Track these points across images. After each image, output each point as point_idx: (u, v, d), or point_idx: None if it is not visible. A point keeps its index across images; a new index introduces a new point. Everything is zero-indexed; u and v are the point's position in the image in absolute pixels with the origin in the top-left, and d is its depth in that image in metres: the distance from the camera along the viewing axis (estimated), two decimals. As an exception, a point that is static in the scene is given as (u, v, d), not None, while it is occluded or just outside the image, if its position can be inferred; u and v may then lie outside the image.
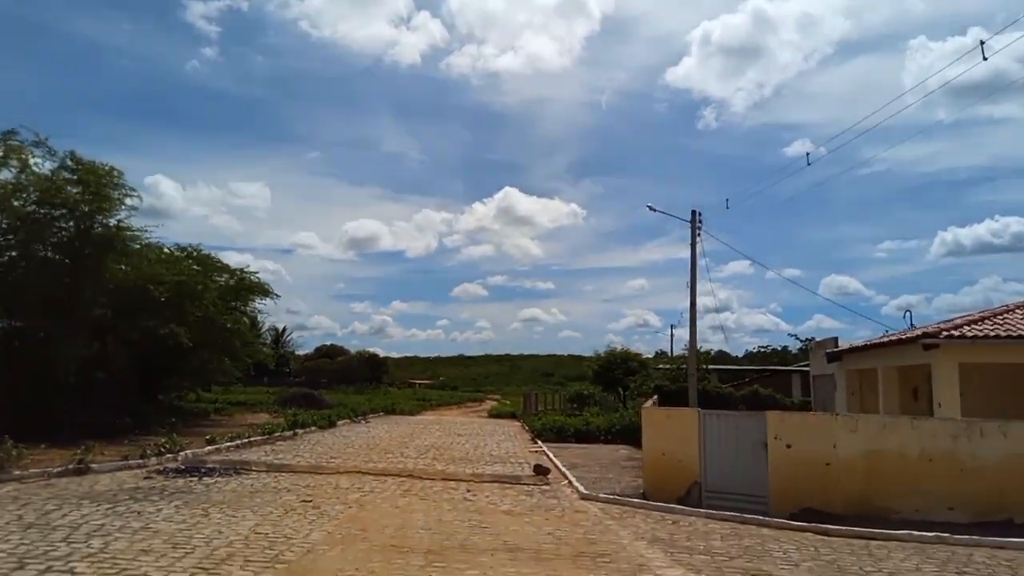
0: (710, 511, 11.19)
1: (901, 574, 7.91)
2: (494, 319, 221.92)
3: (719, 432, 12.38)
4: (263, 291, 28.80)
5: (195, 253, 26.61)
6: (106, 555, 7.50)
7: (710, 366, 41.41)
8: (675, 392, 32.15)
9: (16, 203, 18.41)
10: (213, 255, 27.78)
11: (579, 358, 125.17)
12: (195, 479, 13.10)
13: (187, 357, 26.98)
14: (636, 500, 12.09)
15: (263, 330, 77.22)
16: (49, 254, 19.55)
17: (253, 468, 14.81)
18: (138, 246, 22.80)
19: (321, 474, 14.39)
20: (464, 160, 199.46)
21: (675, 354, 58.15)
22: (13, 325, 18.94)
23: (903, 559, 8.62)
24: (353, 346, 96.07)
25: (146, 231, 21.84)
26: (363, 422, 32.22)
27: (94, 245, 19.55)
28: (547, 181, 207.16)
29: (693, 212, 25.19)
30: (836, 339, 21.76)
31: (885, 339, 19.06)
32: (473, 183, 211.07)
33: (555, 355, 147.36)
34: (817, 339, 23.81)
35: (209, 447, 17.92)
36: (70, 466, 13.01)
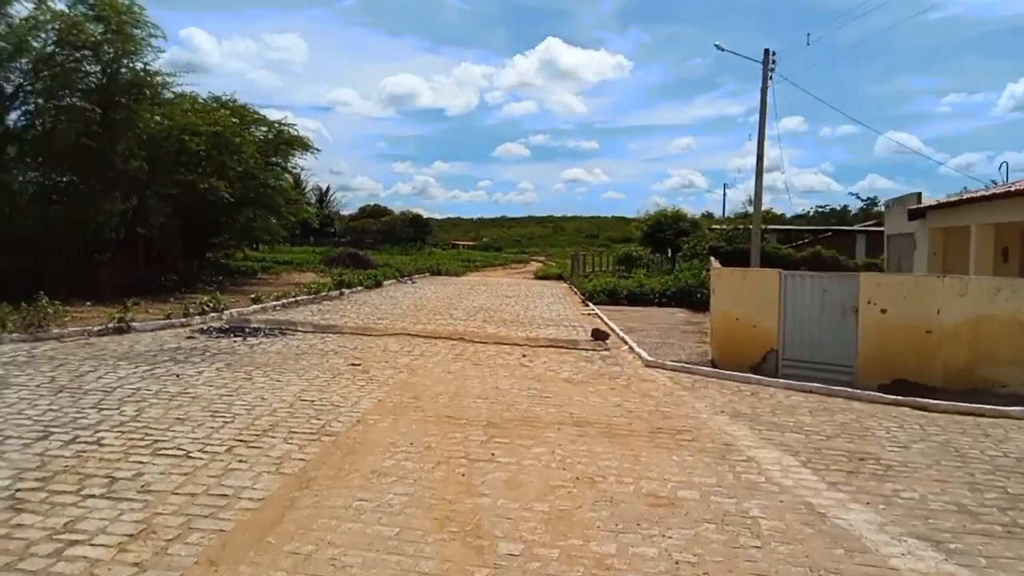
0: (790, 382, 10.21)
1: (1030, 460, 6.88)
2: (536, 180, 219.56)
3: (803, 295, 11.18)
4: (303, 145, 27.59)
5: (231, 103, 25.31)
6: (138, 424, 6.86)
7: (767, 226, 39.64)
8: (731, 253, 30.88)
9: (35, 43, 17.12)
10: (250, 106, 26.49)
11: (623, 219, 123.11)
12: (239, 339, 12.57)
13: (231, 215, 26.41)
14: (707, 368, 11.16)
15: (307, 189, 77.26)
16: (77, 102, 18.48)
17: (299, 329, 14.26)
18: (171, 95, 21.62)
19: (369, 336, 13.77)
20: (504, 6, 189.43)
21: (726, 214, 56.24)
22: (50, 179, 18.19)
23: (1027, 441, 7.57)
24: (397, 207, 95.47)
25: (175, 75, 20.55)
26: (409, 282, 31.85)
27: (124, 91, 18.37)
28: (592, 30, 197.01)
29: (766, 51, 22.77)
30: (920, 194, 19.88)
31: (989, 192, 17.20)
32: (514, 33, 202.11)
33: (599, 216, 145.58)
34: (887, 198, 21.85)
35: (254, 306, 17.49)
36: (110, 325, 12.54)
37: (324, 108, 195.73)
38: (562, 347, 13.18)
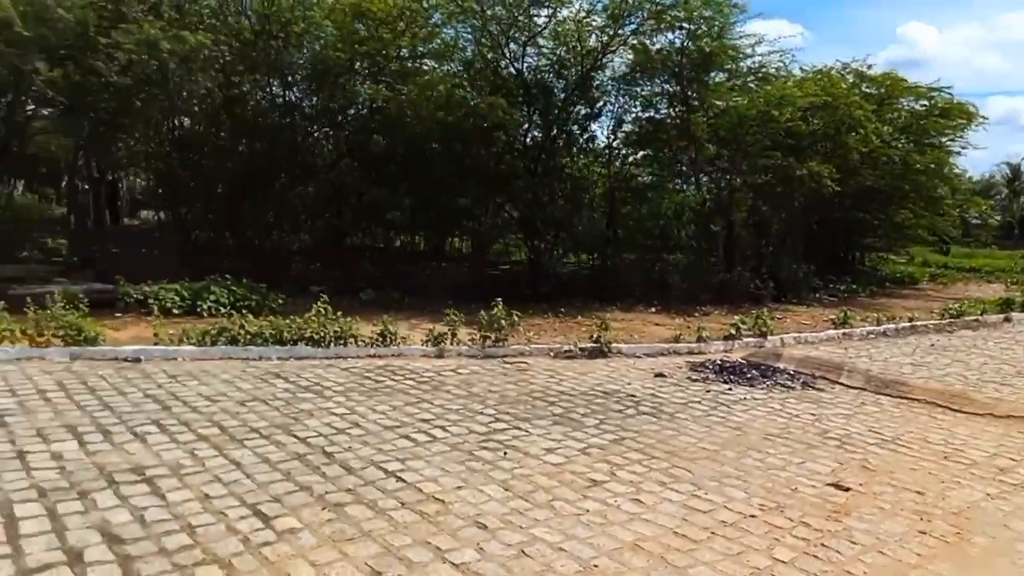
0: None
1: None
2: None
3: None
4: (962, 113, 19.88)
5: (865, 71, 19.82)
6: None
7: None
8: None
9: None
10: (898, 72, 20.38)
11: None
12: (725, 387, 8.28)
13: (877, 210, 21.15)
14: None
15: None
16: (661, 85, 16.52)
17: (841, 379, 8.92)
18: (782, 65, 17.86)
19: (950, 412, 7.51)
20: None
21: None
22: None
23: None
24: None
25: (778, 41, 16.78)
26: None
27: (702, 67, 15.60)
28: None
29: None
30: None
31: None
32: None
33: None
34: None
35: (831, 331, 12.50)
36: (581, 346, 9.75)
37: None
38: None
